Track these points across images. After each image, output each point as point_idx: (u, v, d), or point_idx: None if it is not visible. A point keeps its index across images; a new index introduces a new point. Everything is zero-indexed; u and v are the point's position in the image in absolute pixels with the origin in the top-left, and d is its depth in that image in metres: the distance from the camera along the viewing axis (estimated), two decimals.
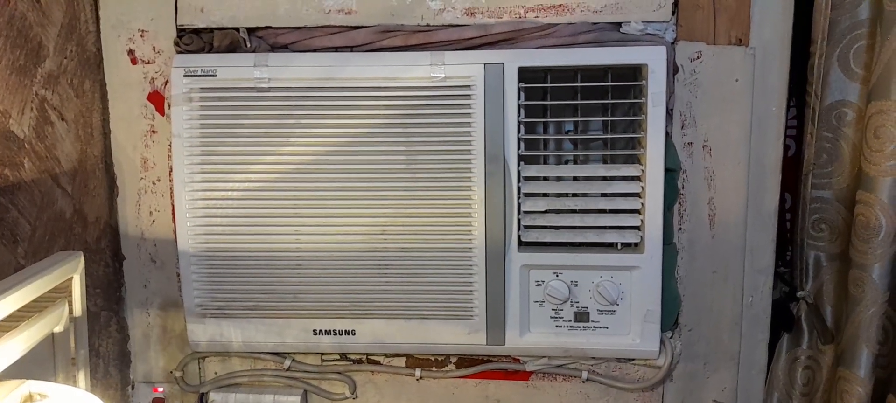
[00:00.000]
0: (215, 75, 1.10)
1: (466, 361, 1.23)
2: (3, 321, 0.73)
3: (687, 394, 1.22)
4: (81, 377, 0.90)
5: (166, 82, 1.16)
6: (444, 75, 1.08)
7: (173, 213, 1.19)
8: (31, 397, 0.73)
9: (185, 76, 1.11)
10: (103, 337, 1.20)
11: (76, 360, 0.89)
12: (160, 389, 1.28)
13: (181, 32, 1.14)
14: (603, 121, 1.13)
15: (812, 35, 1.12)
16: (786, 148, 1.15)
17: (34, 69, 1.00)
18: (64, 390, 0.76)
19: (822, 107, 1.13)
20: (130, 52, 1.17)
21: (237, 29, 1.13)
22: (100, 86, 1.17)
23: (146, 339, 1.26)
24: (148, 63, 1.17)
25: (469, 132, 1.09)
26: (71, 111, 1.09)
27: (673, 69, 1.11)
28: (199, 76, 1.11)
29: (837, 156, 1.13)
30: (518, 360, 1.22)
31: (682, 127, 1.13)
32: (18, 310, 0.75)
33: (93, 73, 1.15)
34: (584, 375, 1.21)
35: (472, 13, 1.11)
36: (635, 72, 1.09)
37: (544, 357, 1.20)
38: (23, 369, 0.76)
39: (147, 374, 1.28)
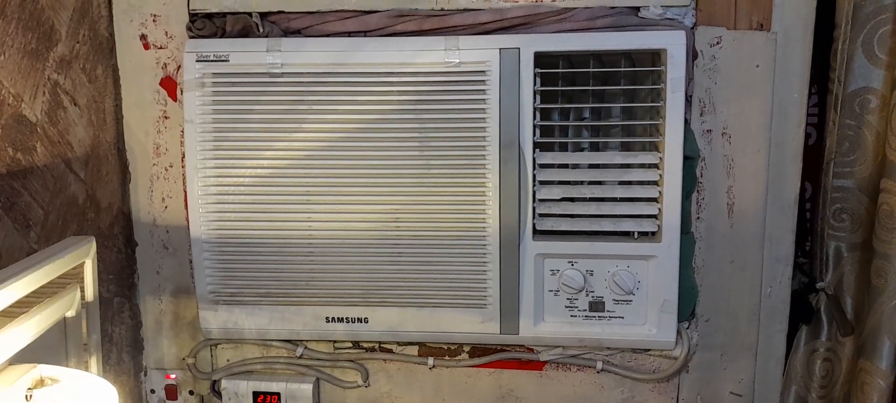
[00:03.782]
0: (228, 60, 1.09)
1: (480, 350, 1.22)
2: (14, 305, 0.72)
3: (703, 385, 1.21)
4: (93, 362, 0.90)
5: (179, 67, 1.16)
6: (458, 60, 1.07)
7: (186, 200, 1.19)
8: (42, 381, 0.73)
9: (197, 61, 1.10)
10: (116, 324, 1.19)
11: (88, 345, 0.89)
12: (173, 376, 1.28)
13: (193, 17, 1.13)
14: (620, 107, 1.11)
15: (835, 19, 1.09)
16: (806, 136, 1.13)
17: (46, 53, 0.99)
18: (75, 374, 0.76)
19: (845, 93, 1.10)
20: (143, 36, 1.16)
21: (250, 13, 1.12)
22: (112, 71, 1.17)
23: (158, 326, 1.26)
24: (160, 48, 1.16)
25: (484, 118, 1.07)
26: (83, 96, 1.09)
27: (692, 54, 1.09)
28: (212, 61, 1.10)
29: (860, 143, 1.11)
30: (532, 350, 1.20)
31: (701, 113, 1.11)
32: (30, 295, 0.75)
33: (105, 58, 1.15)
34: (599, 365, 1.19)
35: None
36: (654, 57, 1.07)
37: (559, 346, 1.19)
38: (35, 354, 0.76)
39: (159, 361, 1.28)
